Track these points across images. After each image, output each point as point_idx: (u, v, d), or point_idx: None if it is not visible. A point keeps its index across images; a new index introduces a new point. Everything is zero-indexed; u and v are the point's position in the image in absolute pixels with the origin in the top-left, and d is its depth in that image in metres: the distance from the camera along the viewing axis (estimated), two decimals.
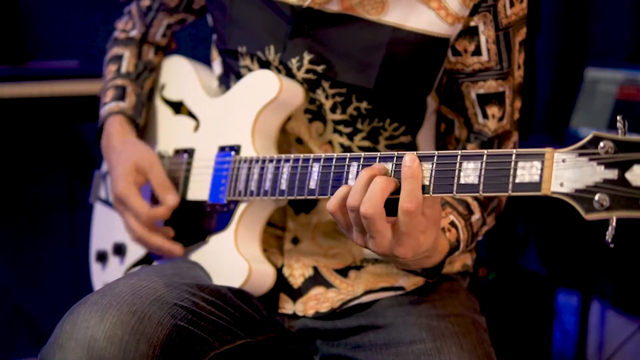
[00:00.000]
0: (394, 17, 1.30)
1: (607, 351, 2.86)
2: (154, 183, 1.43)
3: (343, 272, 1.43)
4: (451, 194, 1.04)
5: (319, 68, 1.34)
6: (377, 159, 1.12)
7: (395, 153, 1.11)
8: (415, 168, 1.06)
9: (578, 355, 2.76)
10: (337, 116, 1.37)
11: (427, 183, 1.06)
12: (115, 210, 1.49)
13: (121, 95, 1.57)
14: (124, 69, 1.62)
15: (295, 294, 1.42)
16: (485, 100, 1.35)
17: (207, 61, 1.63)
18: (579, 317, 2.76)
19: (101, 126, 1.56)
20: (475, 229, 1.32)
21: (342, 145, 1.40)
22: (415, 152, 1.07)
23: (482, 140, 1.38)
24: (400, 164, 1.07)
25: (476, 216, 1.32)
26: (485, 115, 1.36)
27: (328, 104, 1.37)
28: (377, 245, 1.09)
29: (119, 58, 1.64)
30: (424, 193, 1.06)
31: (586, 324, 2.75)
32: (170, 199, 1.42)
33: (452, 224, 1.26)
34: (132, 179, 1.42)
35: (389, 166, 1.10)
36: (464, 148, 1.40)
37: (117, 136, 1.51)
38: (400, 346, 1.30)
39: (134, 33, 1.67)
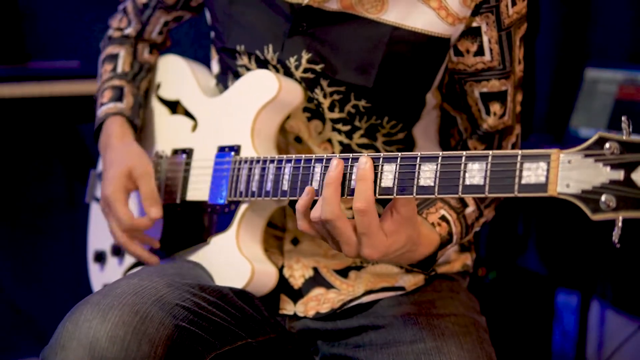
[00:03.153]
0: (393, 16, 1.30)
1: (606, 351, 2.86)
2: (142, 193, 1.44)
3: (343, 273, 1.43)
4: (456, 195, 1.04)
5: (318, 67, 1.34)
6: (350, 159, 1.15)
7: (351, 155, 1.14)
8: (367, 169, 1.09)
9: (578, 355, 2.76)
10: (335, 114, 1.37)
11: (431, 184, 1.06)
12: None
13: (119, 96, 1.56)
14: (120, 69, 1.61)
15: (296, 295, 1.42)
16: (488, 98, 1.36)
17: (207, 60, 1.63)
18: (579, 317, 2.76)
19: (99, 126, 1.56)
20: (470, 221, 1.33)
21: (341, 144, 1.40)
22: (368, 154, 1.11)
23: (480, 135, 1.38)
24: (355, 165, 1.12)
25: (470, 209, 1.33)
26: (488, 112, 1.36)
27: (326, 103, 1.37)
28: (347, 250, 1.12)
29: (114, 57, 1.63)
30: (427, 194, 1.07)
31: (586, 324, 2.75)
32: (154, 212, 1.42)
33: (443, 218, 1.27)
34: (122, 185, 1.43)
35: (346, 164, 1.14)
36: (465, 143, 1.41)
37: (116, 136, 1.51)
38: (401, 346, 1.30)
39: (129, 31, 1.66)
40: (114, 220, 1.44)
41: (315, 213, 1.12)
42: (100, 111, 1.56)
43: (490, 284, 2.63)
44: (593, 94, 2.59)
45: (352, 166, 1.13)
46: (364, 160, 1.10)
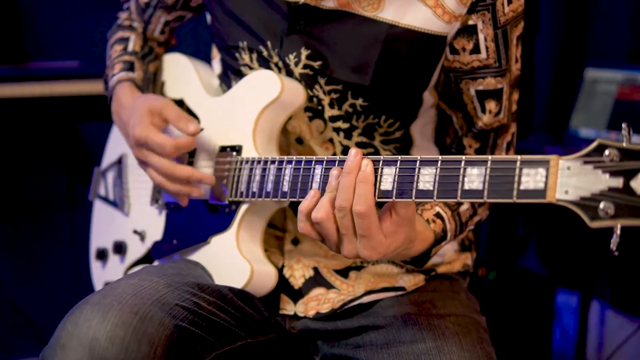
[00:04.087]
0: (390, 13, 1.30)
1: (606, 351, 2.86)
2: (171, 118, 1.38)
3: (343, 273, 1.43)
4: (455, 200, 1.04)
5: (316, 64, 1.35)
6: (337, 162, 1.16)
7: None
8: (368, 172, 1.09)
9: (578, 355, 2.77)
10: (335, 111, 1.38)
11: (430, 188, 1.07)
12: (115, 207, 1.48)
13: (129, 67, 1.56)
14: (130, 48, 1.61)
15: (296, 295, 1.42)
16: (484, 95, 1.36)
17: (209, 59, 1.63)
18: (579, 317, 2.76)
19: (111, 96, 1.54)
20: (464, 219, 1.33)
21: (341, 143, 1.40)
22: (368, 157, 1.11)
23: (475, 132, 1.38)
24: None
25: (465, 207, 1.34)
26: (483, 110, 1.37)
27: (326, 100, 1.37)
28: (345, 252, 1.12)
29: (124, 40, 1.63)
30: (426, 197, 1.07)
31: (586, 324, 2.75)
32: (192, 127, 1.36)
33: (438, 215, 1.28)
34: (149, 121, 1.38)
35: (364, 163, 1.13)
36: (460, 141, 1.41)
37: (127, 97, 1.49)
38: (401, 346, 1.30)
39: (136, 26, 1.68)
40: (154, 155, 1.37)
41: (316, 214, 1.12)
42: (112, 80, 1.55)
43: (490, 284, 2.63)
44: (593, 94, 2.59)
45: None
46: (365, 163, 1.10)
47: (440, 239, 1.27)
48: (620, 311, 2.82)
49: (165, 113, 1.38)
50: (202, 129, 1.40)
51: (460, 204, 1.32)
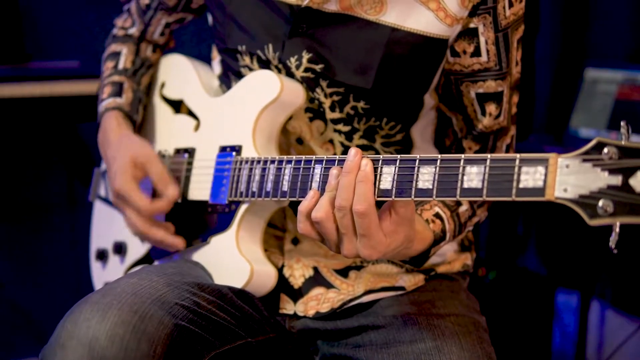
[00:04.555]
0: (392, 17, 1.30)
1: (606, 351, 2.86)
2: (154, 177, 1.42)
3: (343, 273, 1.43)
4: (454, 198, 1.04)
5: (318, 67, 1.35)
6: (336, 161, 1.16)
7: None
8: (368, 171, 1.09)
9: (578, 355, 2.77)
10: (336, 114, 1.38)
11: (430, 187, 1.07)
12: (115, 208, 1.49)
13: (118, 91, 1.57)
14: (121, 66, 1.62)
15: (296, 295, 1.42)
16: (484, 98, 1.36)
17: (208, 61, 1.63)
18: (579, 317, 2.76)
19: (99, 123, 1.56)
20: (463, 219, 1.33)
21: (342, 145, 1.40)
22: (368, 156, 1.11)
23: (475, 135, 1.38)
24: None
25: (464, 207, 1.34)
26: (484, 113, 1.37)
27: (327, 103, 1.37)
28: (345, 252, 1.12)
29: (116, 55, 1.64)
30: (425, 196, 1.07)
31: (586, 324, 2.75)
32: (171, 191, 1.41)
33: (437, 215, 1.28)
34: (130, 174, 1.42)
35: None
36: (460, 143, 1.41)
37: (113, 131, 1.51)
38: (401, 346, 1.30)
39: (133, 31, 1.67)
40: (131, 211, 1.42)
41: (316, 213, 1.12)
42: (100, 107, 1.57)
43: (490, 284, 2.63)
44: (593, 94, 2.59)
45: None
46: (365, 162, 1.10)
47: (439, 239, 1.27)
48: (620, 311, 2.82)
49: (147, 168, 1.42)
50: (178, 202, 1.44)
51: (459, 204, 1.32)
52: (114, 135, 1.50)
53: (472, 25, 1.29)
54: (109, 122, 1.53)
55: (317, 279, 1.42)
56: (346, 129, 1.39)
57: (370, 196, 1.09)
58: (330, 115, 1.38)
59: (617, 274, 2.82)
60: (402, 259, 1.23)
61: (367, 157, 1.11)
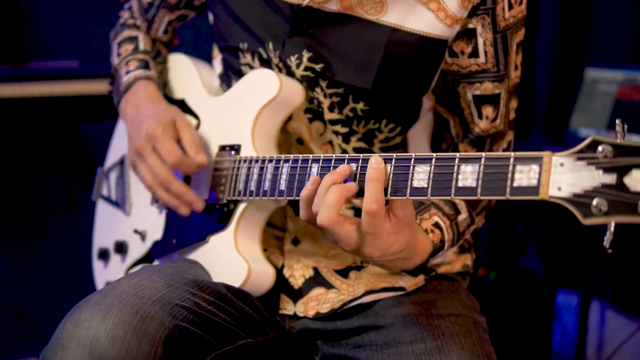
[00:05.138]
0: (393, 17, 1.30)
1: (606, 351, 2.86)
2: (186, 140, 1.39)
3: (343, 273, 1.43)
4: (449, 197, 1.04)
5: (317, 67, 1.35)
6: (346, 160, 1.14)
7: (361, 155, 1.13)
8: (380, 170, 1.08)
9: (578, 355, 2.77)
10: (335, 115, 1.37)
11: (425, 185, 1.06)
12: (116, 206, 1.47)
13: (146, 66, 1.55)
14: (142, 47, 1.60)
15: (296, 295, 1.42)
16: (481, 100, 1.35)
17: (209, 59, 1.63)
18: (579, 317, 2.76)
19: (125, 90, 1.52)
20: (462, 228, 1.32)
21: (340, 146, 1.40)
22: (380, 155, 1.09)
23: (472, 138, 1.38)
24: (365, 166, 1.09)
25: (463, 216, 1.32)
26: (480, 115, 1.36)
27: (326, 103, 1.37)
28: (345, 246, 1.11)
29: (133, 39, 1.63)
30: (420, 195, 1.06)
31: (586, 324, 2.75)
32: (200, 157, 1.37)
33: (436, 224, 1.27)
34: (169, 127, 1.39)
35: (354, 167, 1.12)
36: (456, 147, 1.41)
37: (152, 97, 1.48)
38: (401, 346, 1.30)
39: (139, 24, 1.68)
40: (155, 157, 1.38)
41: (316, 208, 1.11)
42: (128, 77, 1.53)
43: (490, 284, 2.63)
44: (593, 94, 2.59)
45: (362, 167, 1.12)
46: (377, 161, 1.08)
47: (438, 249, 1.26)
48: (620, 311, 2.82)
49: (183, 132, 1.40)
50: (206, 165, 1.39)
51: (458, 213, 1.31)
52: (155, 99, 1.47)
53: (470, 26, 1.29)
54: (145, 90, 1.49)
55: (317, 280, 1.42)
56: (344, 130, 1.38)
57: (382, 196, 1.07)
58: (328, 115, 1.38)
59: (617, 274, 2.81)
60: (400, 269, 1.22)
61: (375, 155, 1.11)
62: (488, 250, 3.00)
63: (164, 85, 1.63)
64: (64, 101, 2.40)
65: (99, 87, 2.34)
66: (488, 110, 1.36)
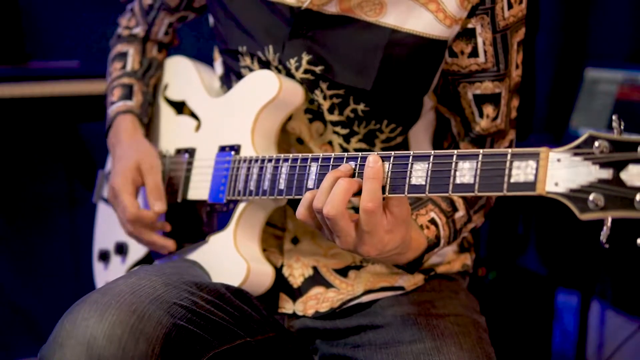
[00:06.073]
0: (392, 19, 1.30)
1: (606, 351, 2.86)
2: (148, 186, 1.45)
3: (343, 272, 1.43)
4: (447, 194, 1.04)
5: (317, 69, 1.35)
6: (345, 159, 1.14)
7: (360, 154, 1.13)
8: (378, 169, 1.08)
9: (578, 355, 2.76)
10: (335, 117, 1.37)
11: (422, 183, 1.06)
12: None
13: (128, 94, 1.59)
14: (129, 67, 1.63)
15: (295, 294, 1.42)
16: (481, 100, 1.35)
17: (210, 61, 1.63)
18: (579, 317, 2.76)
19: (109, 126, 1.57)
20: (459, 225, 1.32)
21: (340, 146, 1.40)
22: (377, 153, 1.10)
23: (473, 137, 1.38)
24: (364, 165, 1.10)
25: (460, 213, 1.32)
26: (481, 115, 1.36)
27: (326, 105, 1.37)
28: (343, 243, 1.12)
29: (123, 55, 1.65)
30: (418, 192, 1.07)
31: (586, 324, 2.75)
32: (157, 206, 1.43)
33: (432, 221, 1.27)
34: (130, 177, 1.45)
35: (353, 166, 1.13)
36: (457, 146, 1.41)
37: (127, 132, 1.53)
38: (400, 346, 1.30)
39: (137, 30, 1.68)
40: (120, 211, 1.45)
41: (318, 205, 1.11)
42: (111, 110, 1.58)
43: (490, 284, 2.63)
44: (593, 94, 2.59)
45: (361, 165, 1.12)
46: (374, 159, 1.09)
47: (433, 245, 1.26)
48: (620, 311, 2.82)
49: (146, 178, 1.45)
50: (178, 201, 1.47)
51: (455, 210, 1.32)
52: (127, 137, 1.52)
53: (470, 26, 1.29)
54: (124, 124, 1.55)
55: (316, 279, 1.42)
56: (344, 131, 1.38)
57: (380, 194, 1.08)
58: (329, 117, 1.38)
59: (617, 274, 2.81)
60: (395, 264, 1.23)
61: (373, 154, 1.11)
62: (488, 250, 3.00)
63: (165, 87, 1.64)
64: (64, 101, 2.40)
65: (99, 87, 2.33)
66: (489, 109, 1.36)
